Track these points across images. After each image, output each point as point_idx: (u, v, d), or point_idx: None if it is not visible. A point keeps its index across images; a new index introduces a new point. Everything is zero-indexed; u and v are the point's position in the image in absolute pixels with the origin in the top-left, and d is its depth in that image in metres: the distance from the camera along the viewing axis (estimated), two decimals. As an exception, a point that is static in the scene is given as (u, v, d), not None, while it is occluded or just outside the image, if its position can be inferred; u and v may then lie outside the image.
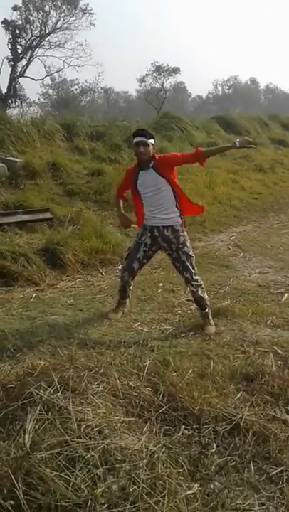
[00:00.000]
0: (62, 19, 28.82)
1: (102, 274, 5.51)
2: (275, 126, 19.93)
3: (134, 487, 1.99)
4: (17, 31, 28.14)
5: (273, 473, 2.28)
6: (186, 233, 3.92)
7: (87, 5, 29.22)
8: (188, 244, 3.89)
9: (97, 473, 2.02)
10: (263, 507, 2.08)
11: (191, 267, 3.87)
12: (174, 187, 3.80)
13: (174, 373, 2.93)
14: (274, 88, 60.85)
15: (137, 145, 3.78)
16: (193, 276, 3.89)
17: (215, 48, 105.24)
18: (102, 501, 1.93)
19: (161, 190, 3.79)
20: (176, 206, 3.84)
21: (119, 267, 5.70)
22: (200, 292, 3.95)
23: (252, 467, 2.30)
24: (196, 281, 3.91)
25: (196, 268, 3.94)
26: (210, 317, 4.01)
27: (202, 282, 3.99)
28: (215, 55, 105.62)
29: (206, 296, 4.01)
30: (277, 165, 13.15)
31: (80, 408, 2.38)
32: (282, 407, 2.75)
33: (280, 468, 2.30)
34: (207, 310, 4.00)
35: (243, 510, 2.03)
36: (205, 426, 2.51)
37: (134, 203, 4.06)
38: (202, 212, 4.22)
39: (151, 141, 3.79)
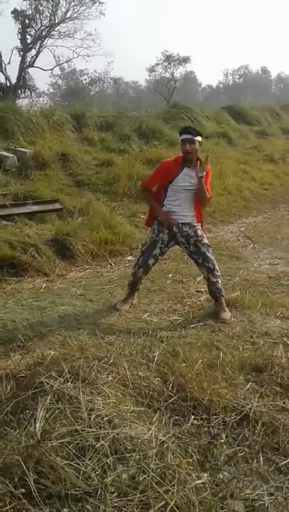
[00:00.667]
0: (72, 9, 28.54)
1: (111, 264, 5.52)
2: (287, 116, 19.74)
3: (144, 476, 2.00)
4: (27, 21, 27.95)
5: (282, 463, 2.29)
6: (203, 228, 4.02)
7: (97, -7, 28.89)
8: (205, 237, 3.99)
9: (107, 462, 2.04)
10: (272, 497, 2.09)
11: (212, 257, 3.94)
12: (201, 192, 3.89)
13: (184, 364, 2.94)
14: (285, 77, 60.15)
15: (183, 142, 3.82)
16: (216, 266, 3.95)
17: (225, 37, 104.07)
18: (112, 490, 1.94)
19: (190, 191, 3.88)
20: (194, 206, 3.95)
21: (129, 258, 5.72)
22: (219, 282, 4.00)
23: (261, 458, 2.31)
24: (218, 271, 3.98)
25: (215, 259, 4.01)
26: (224, 304, 4.05)
27: (220, 273, 4.05)
28: (225, 44, 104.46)
29: (222, 286, 4.06)
30: (288, 155, 13.02)
31: (90, 398, 2.40)
32: (292, 398, 2.75)
33: (288, 459, 2.31)
34: (223, 299, 4.04)
35: (251, 500, 2.04)
36: (214, 416, 2.52)
37: (153, 199, 4.07)
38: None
39: (198, 138, 3.82)
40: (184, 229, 3.92)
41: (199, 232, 3.94)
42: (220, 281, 4.00)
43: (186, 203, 3.91)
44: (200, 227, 3.99)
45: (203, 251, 3.91)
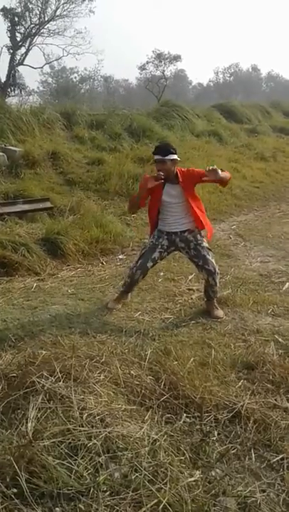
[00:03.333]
0: (61, 6, 28.39)
1: (102, 263, 5.51)
2: (277, 114, 19.83)
3: (136, 474, 2.01)
4: (16, 19, 27.79)
5: (274, 460, 2.30)
6: (202, 233, 4.01)
7: (87, -9, 28.80)
8: (205, 240, 3.99)
9: (99, 461, 2.04)
10: (264, 494, 2.10)
11: (212, 260, 3.95)
12: (195, 204, 3.90)
13: (175, 362, 2.95)
14: (276, 76, 60.39)
15: (155, 163, 3.85)
16: (216, 269, 3.95)
17: (216, 35, 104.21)
18: (105, 489, 1.95)
19: (184, 203, 3.88)
20: (193, 215, 3.92)
21: (120, 257, 5.72)
22: (218, 283, 4.01)
23: (253, 454, 2.32)
24: (218, 274, 3.99)
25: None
26: (216, 303, 4.07)
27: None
28: (216, 42, 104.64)
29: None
30: (278, 153, 13.09)
31: (82, 397, 2.40)
32: (283, 395, 2.77)
33: (280, 456, 2.32)
34: (215, 299, 4.07)
35: (244, 497, 2.05)
36: (206, 414, 2.53)
37: (149, 210, 4.08)
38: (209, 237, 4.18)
39: (171, 157, 3.79)
40: (182, 235, 3.94)
41: (198, 236, 3.95)
42: (218, 285, 4.02)
43: (178, 214, 3.92)
44: (199, 231, 3.98)
45: (203, 254, 3.92)
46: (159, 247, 3.99)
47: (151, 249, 4.01)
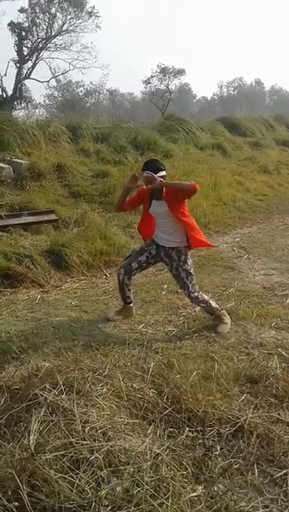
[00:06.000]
0: (68, 21, 28.80)
1: (106, 275, 5.51)
2: (280, 128, 19.91)
3: (138, 489, 1.99)
4: (23, 33, 28.18)
5: (277, 475, 2.28)
6: (189, 253, 3.95)
7: (94, 7, 29.17)
8: (189, 263, 3.91)
9: (101, 475, 2.03)
10: (267, 509, 2.08)
11: (190, 285, 3.89)
12: (183, 222, 3.81)
13: (178, 375, 2.93)
14: (279, 89, 60.73)
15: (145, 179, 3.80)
16: (192, 294, 3.91)
17: (220, 50, 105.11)
18: (106, 503, 1.93)
19: (172, 220, 3.83)
20: (185, 234, 3.86)
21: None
22: (204, 305, 3.98)
23: (256, 469, 2.30)
24: (197, 298, 3.94)
25: (195, 286, 3.96)
26: (223, 317, 4.02)
27: (204, 298, 3.98)
28: (220, 57, 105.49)
29: (213, 305, 4.00)
30: (282, 166, 13.11)
31: (85, 410, 2.39)
32: (287, 409, 2.75)
33: (284, 471, 2.30)
34: (218, 313, 4.03)
35: (246, 513, 2.03)
36: (209, 428, 2.51)
37: (142, 221, 4.09)
38: (211, 247, 4.14)
39: (160, 173, 3.75)
40: (169, 252, 3.90)
41: (183, 257, 3.88)
42: (204, 304, 3.96)
43: (168, 229, 3.87)
44: (188, 253, 3.92)
45: (182, 277, 3.89)
46: (147, 252, 4.00)
47: (140, 252, 4.04)
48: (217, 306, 4.06)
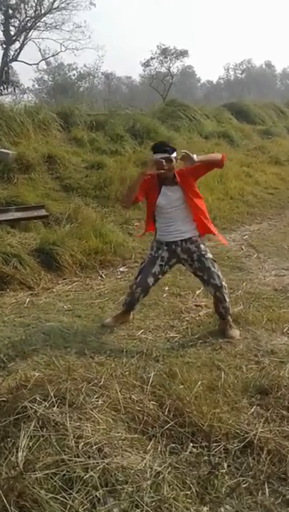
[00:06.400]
0: (59, -2, 28.90)
1: (101, 276, 5.52)
2: (293, 114, 19.93)
3: (137, 511, 1.99)
4: (10, 11, 28.22)
5: (290, 495, 2.28)
6: (204, 242, 4.02)
7: (87, -18, 29.33)
8: (208, 251, 3.97)
9: (96, 496, 2.02)
10: (279, 533, 2.08)
11: (218, 273, 3.93)
12: (195, 207, 3.88)
13: (181, 386, 2.93)
14: (291, 72, 60.89)
15: (158, 162, 3.79)
16: (223, 282, 3.92)
17: (227, 29, 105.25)
18: (102, 526, 1.93)
19: (184, 206, 3.87)
20: (194, 221, 3.92)
21: (121, 269, 5.73)
22: (227, 300, 3.97)
23: (266, 489, 2.30)
24: (226, 288, 3.96)
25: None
26: (231, 321, 4.04)
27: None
28: (226, 37, 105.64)
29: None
30: (295, 157, 13.13)
31: (78, 424, 2.39)
32: (300, 423, 2.75)
33: (297, 491, 2.30)
34: (229, 317, 4.03)
35: (256, 537, 2.03)
36: (215, 444, 2.51)
37: (147, 211, 4.10)
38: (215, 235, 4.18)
39: (174, 154, 3.82)
40: (185, 245, 3.91)
41: (202, 246, 3.93)
42: (228, 300, 3.98)
43: (178, 220, 3.90)
44: (203, 241, 3.99)
45: (208, 266, 3.89)
46: (159, 259, 3.96)
47: (151, 263, 3.99)
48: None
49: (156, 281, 4.06)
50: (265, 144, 13.88)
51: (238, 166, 10.92)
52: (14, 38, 28.86)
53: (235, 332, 3.97)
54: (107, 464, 2.16)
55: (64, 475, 2.10)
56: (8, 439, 2.33)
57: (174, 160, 3.80)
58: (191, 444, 2.49)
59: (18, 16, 28.65)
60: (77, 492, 2.03)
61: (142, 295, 4.05)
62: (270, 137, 15.12)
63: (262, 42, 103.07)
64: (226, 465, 2.40)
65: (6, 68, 28.66)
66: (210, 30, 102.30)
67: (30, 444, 2.25)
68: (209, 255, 3.94)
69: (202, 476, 2.30)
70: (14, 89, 28.82)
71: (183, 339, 3.93)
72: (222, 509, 2.15)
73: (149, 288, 4.03)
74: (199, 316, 4.36)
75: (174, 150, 3.85)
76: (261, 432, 2.58)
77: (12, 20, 28.58)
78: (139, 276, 4.03)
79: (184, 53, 41.07)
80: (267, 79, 58.49)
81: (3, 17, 28.22)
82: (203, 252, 3.91)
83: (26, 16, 28.80)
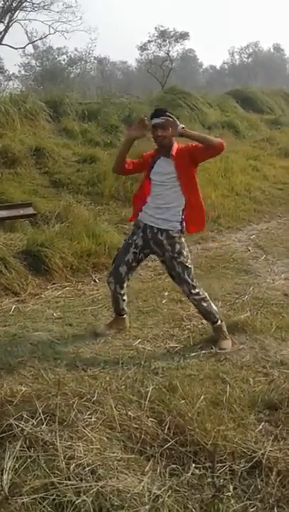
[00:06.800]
0: (47, -25, 29.00)
1: (95, 281, 5.52)
2: (304, 102, 19.99)
3: (134, 538, 1.99)
4: (-7, -10, 28.27)
5: (302, 521, 2.28)
6: (183, 240, 3.95)
7: None
8: (184, 253, 3.92)
9: (89, 522, 2.02)
10: None
11: (189, 279, 3.92)
12: (186, 192, 3.86)
13: (183, 401, 2.93)
14: (302, 56, 61.13)
15: (154, 128, 3.82)
16: (192, 290, 3.93)
17: (231, 9, 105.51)
18: None
19: (174, 185, 3.86)
20: (182, 211, 3.90)
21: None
22: (204, 305, 3.99)
23: (276, 514, 2.30)
24: (197, 294, 3.96)
25: (194, 280, 3.97)
26: (224, 330, 4.04)
27: (205, 295, 4.01)
28: (231, 18, 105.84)
29: (213, 308, 4.03)
30: (306, 149, 13.15)
31: (69, 443, 2.39)
32: (313, 441, 2.75)
33: (310, 515, 2.30)
34: (219, 323, 4.03)
35: None
36: (220, 464, 2.51)
37: (138, 190, 4.14)
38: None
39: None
40: (159, 237, 3.88)
41: (177, 247, 3.87)
42: (204, 304, 3.98)
43: (165, 204, 3.88)
44: (182, 240, 3.92)
45: (178, 271, 3.91)
46: (133, 246, 3.97)
47: (124, 249, 4.01)
48: (217, 310, 4.09)
49: (130, 269, 4.04)
50: (274, 134, 13.90)
51: (244, 159, 10.93)
52: (-2, 19, 28.91)
53: (227, 343, 3.96)
54: (101, 487, 2.16)
55: (54, 499, 2.10)
56: (-8, 461, 2.33)
57: (177, 123, 3.78)
58: (194, 465, 2.49)
59: (2, -5, 28.73)
60: (68, 518, 2.03)
61: (118, 286, 4.05)
62: (279, 127, 15.16)
63: (270, 23, 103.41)
64: (231, 487, 2.40)
65: (-11, 53, 28.69)
66: (213, 10, 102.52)
67: (17, 466, 2.25)
68: (182, 259, 3.89)
69: (205, 500, 2.30)
70: (-2, 75, 28.85)
71: (184, 349, 3.93)
72: (227, 536, 2.16)
73: (122, 278, 4.03)
74: (202, 323, 4.36)
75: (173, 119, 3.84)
76: (270, 450, 2.59)
77: (-5, 0, 28.63)
78: (112, 264, 4.11)
79: (184, 36, 41.23)
80: (275, 64, 58.63)
81: (-15, -4, 28.30)
82: (175, 255, 3.88)
83: (11, -4, 28.88)
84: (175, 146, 3.87)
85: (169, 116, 3.82)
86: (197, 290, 3.96)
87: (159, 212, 3.89)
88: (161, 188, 3.89)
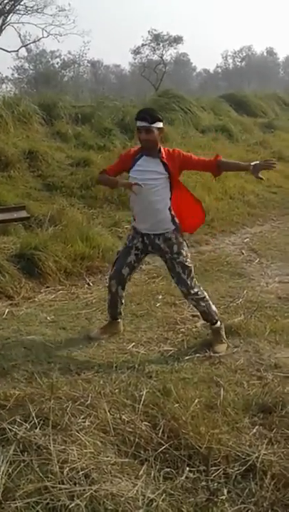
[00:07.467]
0: (41, -22, 29.05)
1: (89, 284, 5.51)
2: (297, 106, 20.09)
3: None
4: (-14, -7, 28.29)
5: (296, 524, 2.28)
6: (181, 239, 3.92)
7: None
8: (183, 253, 3.91)
9: (83, 526, 2.02)
10: None
11: (188, 280, 3.91)
12: (176, 191, 3.85)
13: (177, 404, 2.93)
14: (295, 60, 61.44)
15: (138, 130, 3.78)
16: (191, 290, 3.93)
17: (225, 13, 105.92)
18: None
19: (160, 185, 3.78)
20: (169, 209, 3.85)
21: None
22: (203, 305, 3.99)
23: (271, 517, 2.30)
24: (196, 294, 3.95)
25: (194, 280, 3.97)
26: (222, 333, 4.05)
27: (204, 294, 4.01)
28: (225, 22, 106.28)
29: (212, 308, 4.03)
30: (299, 152, 13.21)
31: (63, 447, 2.39)
32: (307, 444, 2.76)
33: (304, 519, 2.30)
34: (218, 324, 4.04)
35: None
36: (214, 468, 2.51)
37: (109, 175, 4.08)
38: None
39: (157, 124, 3.74)
40: (157, 241, 3.88)
41: (176, 248, 3.86)
42: (203, 304, 3.98)
43: (149, 206, 3.81)
44: (180, 239, 3.90)
45: (178, 271, 3.91)
46: (134, 249, 3.98)
47: (126, 252, 4.02)
48: (216, 311, 4.08)
49: (133, 270, 4.08)
50: (267, 138, 13.95)
51: (238, 163, 10.94)
52: (-9, 22, 28.93)
53: (222, 347, 3.97)
54: (94, 491, 2.16)
55: (47, 504, 2.09)
56: (-15, 465, 2.33)
57: (154, 131, 3.72)
58: (188, 469, 2.49)
59: (-5, -2, 28.75)
60: (61, 523, 2.03)
61: (120, 288, 4.06)
62: (272, 131, 15.21)
63: (263, 27, 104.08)
64: (225, 491, 2.40)
65: (-18, 56, 28.67)
66: (206, 14, 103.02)
67: (10, 470, 2.25)
68: (181, 258, 3.88)
69: (200, 504, 2.30)
70: (-9, 78, 28.84)
71: (178, 353, 3.92)
72: (222, 540, 2.15)
73: (124, 279, 4.05)
74: (196, 327, 4.37)
75: (159, 119, 3.77)
76: (264, 454, 2.59)
77: (-12, 3, 28.66)
78: (113, 267, 4.09)
79: (178, 40, 41.35)
80: (268, 67, 58.96)
81: (-21, -1, 28.30)
82: (174, 255, 3.88)
83: (5, -1, 28.91)
84: (163, 150, 3.82)
85: (150, 118, 3.73)
86: (196, 290, 3.95)
87: (149, 219, 3.86)
88: (145, 190, 3.75)
